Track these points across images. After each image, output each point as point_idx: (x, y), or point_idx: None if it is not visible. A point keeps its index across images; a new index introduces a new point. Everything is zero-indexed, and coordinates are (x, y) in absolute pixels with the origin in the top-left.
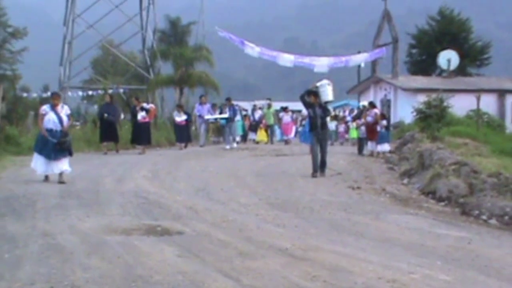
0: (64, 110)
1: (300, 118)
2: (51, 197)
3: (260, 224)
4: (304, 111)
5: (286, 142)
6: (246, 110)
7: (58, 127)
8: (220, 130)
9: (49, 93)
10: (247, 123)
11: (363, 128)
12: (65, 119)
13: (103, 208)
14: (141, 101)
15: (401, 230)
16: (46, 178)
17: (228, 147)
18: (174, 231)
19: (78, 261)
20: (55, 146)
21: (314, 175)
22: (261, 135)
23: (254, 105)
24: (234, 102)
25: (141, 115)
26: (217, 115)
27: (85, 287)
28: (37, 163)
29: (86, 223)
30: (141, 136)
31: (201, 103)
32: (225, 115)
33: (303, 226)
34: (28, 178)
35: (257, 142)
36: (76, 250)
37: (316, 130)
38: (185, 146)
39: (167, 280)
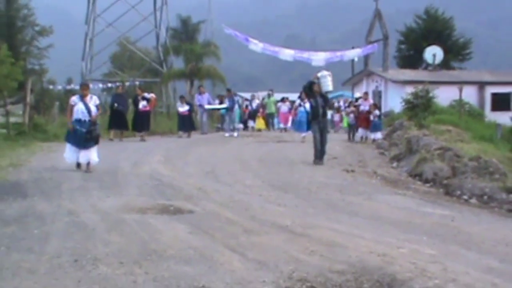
0: (93, 101)
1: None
2: (75, 179)
3: (263, 204)
4: (297, 102)
5: (284, 130)
6: (248, 100)
7: (86, 117)
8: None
9: (72, 86)
10: (246, 112)
11: (351, 115)
12: (93, 109)
13: (121, 189)
14: (143, 91)
15: (391, 209)
16: (78, 165)
17: (227, 134)
18: (186, 210)
19: (99, 237)
20: (84, 135)
21: (315, 162)
22: (259, 123)
23: (252, 95)
24: (241, 93)
25: (142, 104)
26: (216, 105)
27: (106, 260)
28: (68, 152)
29: (106, 203)
30: (142, 123)
31: (200, 93)
32: (225, 105)
33: (302, 205)
34: (54, 162)
35: (259, 130)
36: (98, 227)
37: (318, 119)
38: (189, 135)
39: (179, 254)
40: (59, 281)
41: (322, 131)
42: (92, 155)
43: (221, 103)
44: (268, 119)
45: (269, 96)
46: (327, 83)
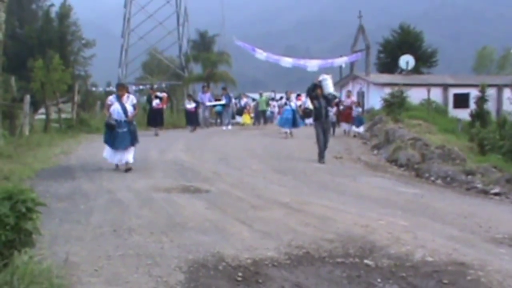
0: (129, 100)
1: (276, 106)
2: (113, 164)
3: (267, 184)
4: (283, 101)
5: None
6: (254, 100)
7: (122, 117)
8: (217, 115)
9: (111, 88)
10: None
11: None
12: (129, 109)
13: (150, 172)
14: (155, 91)
15: (372, 188)
16: (116, 166)
17: (224, 128)
18: (203, 190)
19: (133, 211)
20: (121, 136)
21: (321, 161)
22: (245, 118)
23: (239, 94)
24: (248, 94)
25: (155, 102)
26: (215, 102)
27: (138, 230)
28: (107, 153)
29: (138, 184)
30: (156, 119)
31: (203, 92)
32: (222, 102)
33: (299, 186)
34: (96, 151)
35: (243, 124)
36: (131, 203)
37: (321, 120)
38: (194, 129)
39: (198, 226)
40: (101, 247)
41: (325, 131)
42: (128, 156)
43: (218, 100)
44: (260, 116)
45: (260, 95)
46: (329, 85)
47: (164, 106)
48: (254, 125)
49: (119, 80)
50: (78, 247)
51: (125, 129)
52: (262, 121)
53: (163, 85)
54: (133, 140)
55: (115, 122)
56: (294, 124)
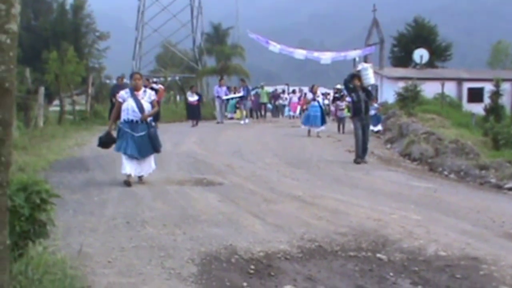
0: (146, 96)
1: (287, 99)
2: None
3: (280, 178)
4: (310, 96)
5: (293, 117)
6: (270, 93)
7: (139, 117)
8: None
9: (125, 80)
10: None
11: (342, 105)
12: (147, 106)
13: (164, 165)
14: (151, 82)
15: (385, 182)
16: (128, 179)
17: (242, 122)
18: (216, 183)
19: (146, 204)
20: (138, 141)
21: (357, 161)
22: (239, 112)
23: (229, 87)
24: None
25: None
26: (232, 95)
27: (152, 222)
28: (127, 167)
29: (152, 176)
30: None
31: (220, 85)
32: (240, 94)
33: (312, 179)
34: None
35: (238, 118)
36: (145, 196)
37: (360, 115)
38: (196, 123)
39: (211, 218)
40: (115, 238)
41: (364, 127)
42: (147, 167)
43: (234, 93)
44: (261, 108)
45: (262, 87)
46: (369, 76)
47: (160, 99)
48: (252, 118)
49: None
50: (92, 238)
51: (142, 133)
52: (262, 113)
53: (177, 78)
54: (155, 147)
55: (129, 124)
56: (322, 121)
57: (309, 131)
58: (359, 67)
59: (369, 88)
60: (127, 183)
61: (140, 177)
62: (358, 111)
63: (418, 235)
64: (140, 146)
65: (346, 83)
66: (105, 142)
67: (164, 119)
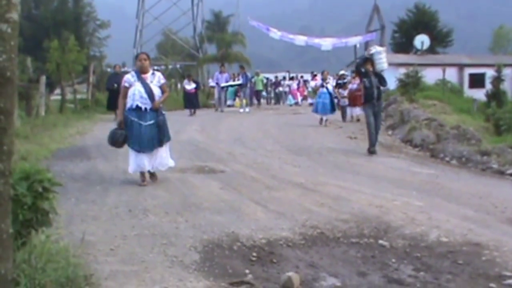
0: (155, 79)
1: (288, 86)
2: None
3: (282, 165)
4: (319, 82)
5: (296, 104)
6: (271, 80)
7: (148, 104)
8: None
9: (126, 68)
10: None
11: (344, 93)
12: (157, 91)
13: None
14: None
15: (387, 169)
16: (143, 176)
17: (241, 110)
18: (218, 170)
19: (148, 192)
20: (145, 131)
21: (371, 150)
22: (238, 101)
23: (233, 74)
24: (264, 74)
25: None
26: (231, 82)
27: (154, 210)
28: (134, 163)
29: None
30: None
31: (221, 72)
32: (239, 82)
33: (313, 166)
34: None
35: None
36: (147, 184)
37: (372, 102)
38: (194, 112)
39: (213, 206)
40: (117, 226)
41: (376, 115)
42: (161, 160)
43: (234, 80)
44: (257, 95)
45: (257, 74)
46: (383, 60)
47: None
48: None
49: (134, 61)
50: (94, 226)
51: (151, 121)
52: (256, 101)
53: (178, 66)
54: (162, 138)
55: (137, 112)
56: (332, 110)
57: (321, 120)
58: (372, 50)
59: (382, 73)
60: (143, 180)
61: (152, 174)
62: (370, 98)
63: (420, 221)
64: (148, 137)
65: (358, 67)
66: (118, 141)
67: (165, 107)
